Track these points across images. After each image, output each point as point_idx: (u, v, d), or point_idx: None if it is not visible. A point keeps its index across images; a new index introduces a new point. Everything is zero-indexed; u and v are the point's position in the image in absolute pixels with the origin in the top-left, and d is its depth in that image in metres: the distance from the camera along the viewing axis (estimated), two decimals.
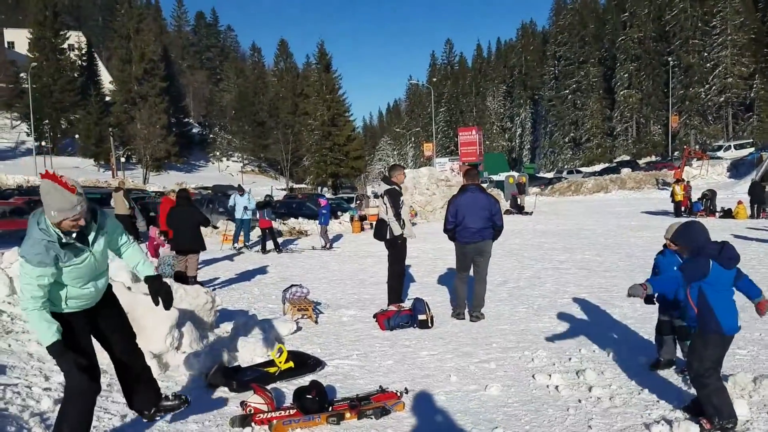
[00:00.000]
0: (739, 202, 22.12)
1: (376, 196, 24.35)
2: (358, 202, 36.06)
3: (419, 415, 4.40)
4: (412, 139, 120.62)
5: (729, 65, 68.70)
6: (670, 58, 70.32)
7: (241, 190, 17.84)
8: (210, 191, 42.73)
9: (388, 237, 7.57)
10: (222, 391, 4.97)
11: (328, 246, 16.91)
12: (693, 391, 4.50)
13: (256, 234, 18.76)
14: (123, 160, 64.19)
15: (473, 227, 7.20)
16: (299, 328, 7.01)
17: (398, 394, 4.70)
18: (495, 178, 43.10)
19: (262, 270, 12.72)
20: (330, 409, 4.44)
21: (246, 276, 11.87)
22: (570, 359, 5.52)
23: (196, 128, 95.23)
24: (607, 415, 4.23)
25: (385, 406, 4.47)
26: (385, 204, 7.54)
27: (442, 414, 4.40)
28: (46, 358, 5.32)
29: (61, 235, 3.16)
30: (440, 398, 4.72)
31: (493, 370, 5.32)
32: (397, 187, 7.71)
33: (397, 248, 7.65)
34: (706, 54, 70.78)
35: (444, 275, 10.72)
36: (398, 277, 7.76)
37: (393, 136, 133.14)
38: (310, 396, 4.40)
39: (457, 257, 7.51)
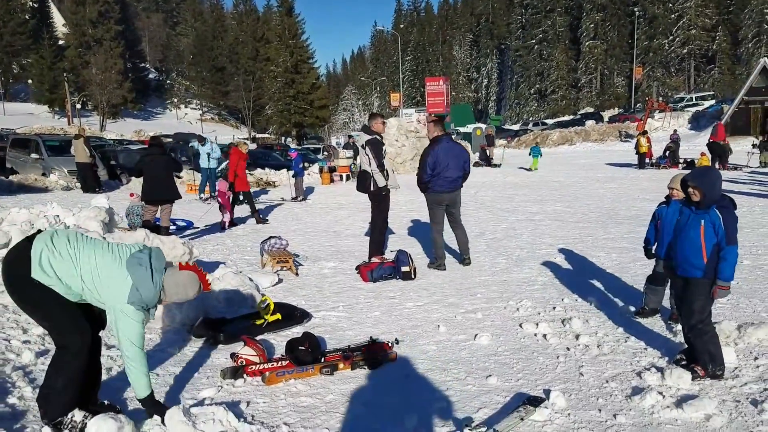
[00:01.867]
0: (702, 154, 22.57)
1: (345, 146, 24.05)
2: (325, 153, 35.69)
3: (412, 364, 4.41)
4: (377, 88, 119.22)
5: (693, 16, 69.15)
6: (636, 8, 70.43)
7: (201, 140, 17.41)
8: (171, 139, 41.68)
9: (371, 189, 7.47)
10: (208, 343, 4.89)
11: (301, 198, 16.72)
12: (679, 339, 4.62)
13: None
14: (78, 106, 61.87)
15: (451, 176, 7.27)
16: (280, 280, 6.94)
17: (389, 344, 4.70)
18: (462, 129, 43.01)
19: (233, 221, 12.51)
20: (323, 360, 4.42)
21: (217, 227, 11.66)
22: (554, 308, 5.59)
23: (152, 74, 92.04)
24: (597, 363, 4.31)
25: (377, 356, 4.46)
26: (368, 155, 7.39)
27: (435, 363, 4.42)
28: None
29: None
30: (431, 348, 4.74)
31: (480, 320, 5.36)
32: (378, 137, 7.57)
33: (380, 200, 7.57)
34: (671, 5, 71.01)
35: (419, 227, 10.72)
36: (381, 230, 7.70)
37: (358, 85, 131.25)
38: (303, 347, 4.36)
39: (431, 209, 7.49)
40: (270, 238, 7.90)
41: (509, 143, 43.11)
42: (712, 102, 51.53)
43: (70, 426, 3.33)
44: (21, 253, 3.24)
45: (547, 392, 3.79)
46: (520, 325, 5.13)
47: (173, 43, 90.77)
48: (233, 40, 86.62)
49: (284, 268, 7.40)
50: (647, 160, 24.38)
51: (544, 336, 4.85)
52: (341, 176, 22.07)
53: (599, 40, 77.58)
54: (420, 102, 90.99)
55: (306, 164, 28.71)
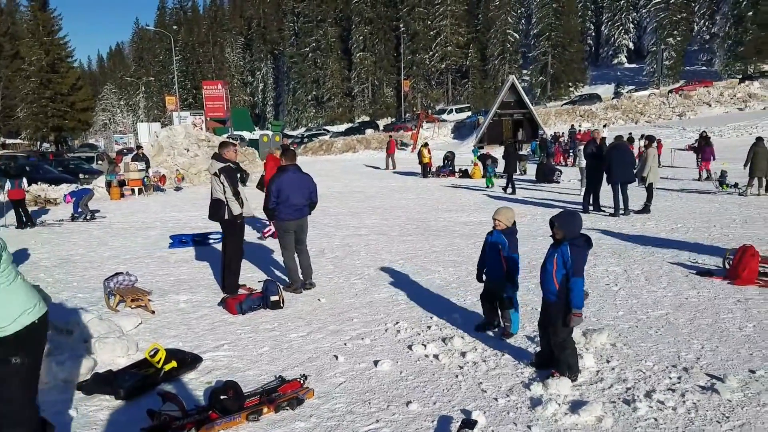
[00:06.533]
0: (475, 164, 25.43)
1: (135, 157, 22.49)
2: (99, 162, 32.91)
3: (332, 399, 4.61)
4: (142, 88, 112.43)
5: (449, 34, 76.80)
6: (400, 24, 76.08)
7: None
8: None
9: (227, 217, 7.39)
10: (106, 400, 4.60)
11: (89, 215, 15.46)
12: (533, 349, 5.45)
13: None
14: None
15: (296, 205, 7.59)
16: (141, 322, 6.56)
17: (300, 381, 4.84)
18: (247, 135, 42.54)
19: (27, 252, 11.26)
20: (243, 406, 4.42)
21: (15, 260, 10.37)
22: (429, 327, 6.15)
23: None
24: (491, 378, 4.93)
25: (298, 395, 4.59)
26: (222, 183, 7.32)
27: (352, 396, 4.66)
28: None
29: None
30: (340, 380, 4.97)
31: (371, 346, 5.71)
32: (231, 164, 7.53)
33: (236, 228, 7.52)
34: (429, 22, 77.99)
35: (252, 251, 10.71)
36: (237, 258, 7.62)
37: (119, 84, 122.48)
38: (227, 396, 4.32)
39: (280, 235, 7.74)
40: (116, 274, 7.37)
41: (296, 150, 43.88)
42: (469, 113, 57.85)
43: None
44: None
45: (467, 412, 4.30)
46: (410, 347, 5.59)
47: None
48: None
49: (137, 307, 6.99)
50: (428, 170, 26.75)
51: (436, 356, 5.37)
52: (133, 190, 20.70)
53: (368, 52, 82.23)
54: (193, 104, 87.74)
55: (81, 175, 26.39)
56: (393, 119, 68.66)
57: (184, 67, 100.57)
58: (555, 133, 39.17)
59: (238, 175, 7.59)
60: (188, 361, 5.28)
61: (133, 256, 10.67)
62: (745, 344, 5.43)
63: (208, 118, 51.70)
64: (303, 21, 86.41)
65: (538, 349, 5.36)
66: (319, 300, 7.31)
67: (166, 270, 9.37)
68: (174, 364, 5.03)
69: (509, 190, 18.53)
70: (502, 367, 5.14)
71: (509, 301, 5.77)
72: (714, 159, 20.88)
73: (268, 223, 11.96)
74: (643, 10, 76.99)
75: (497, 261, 5.70)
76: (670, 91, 55.43)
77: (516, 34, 77.94)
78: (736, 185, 16.74)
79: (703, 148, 21.67)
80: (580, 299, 4.66)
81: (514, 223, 5.78)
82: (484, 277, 5.95)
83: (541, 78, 75.62)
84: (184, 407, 4.28)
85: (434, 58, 77.44)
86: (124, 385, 4.69)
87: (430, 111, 59.60)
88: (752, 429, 3.95)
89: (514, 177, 19.17)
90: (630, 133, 30.62)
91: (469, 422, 4.03)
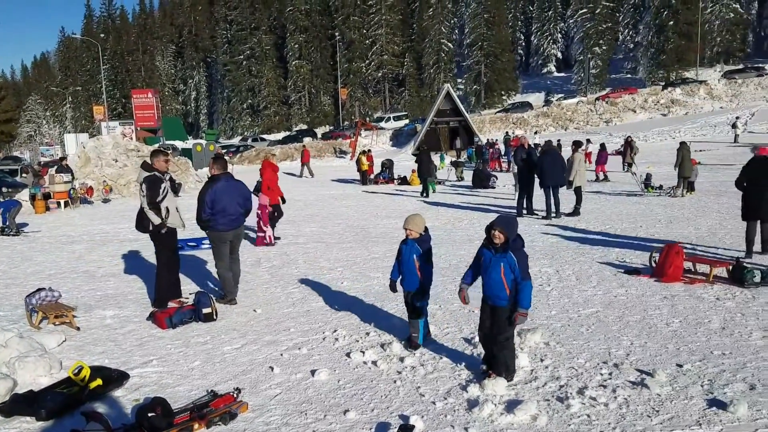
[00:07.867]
0: (413, 171, 25.59)
1: (59, 169, 21.54)
2: (24, 175, 31.46)
3: (267, 412, 4.48)
4: (69, 98, 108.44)
5: (384, 43, 77.37)
6: (335, 33, 76.11)
7: None
8: None
9: (150, 228, 7.13)
10: (26, 422, 4.34)
11: (14, 231, 14.67)
12: (470, 351, 5.47)
13: None
14: None
15: (233, 214, 7.45)
16: (64, 339, 6.23)
17: (233, 395, 4.68)
18: (179, 144, 41.43)
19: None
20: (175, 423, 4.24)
21: None
22: (368, 334, 6.10)
23: None
24: (429, 382, 4.91)
25: (231, 409, 4.44)
26: (142, 192, 7.08)
27: (288, 407, 4.55)
28: None
29: None
30: (275, 392, 4.84)
31: (308, 356, 5.60)
32: (158, 174, 7.26)
33: (161, 239, 7.25)
34: (365, 31, 78.38)
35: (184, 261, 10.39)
36: (166, 271, 7.35)
37: (45, 94, 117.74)
38: (155, 413, 4.14)
39: (216, 246, 7.53)
40: (39, 290, 6.99)
41: (231, 159, 42.97)
42: (407, 121, 58.30)
43: None
44: None
45: (405, 417, 4.25)
46: (348, 355, 5.51)
47: None
48: None
49: (61, 324, 6.65)
50: (370, 176, 26.75)
51: (374, 363, 5.31)
52: (59, 203, 19.79)
53: (304, 60, 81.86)
54: (123, 114, 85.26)
55: (3, 189, 25.13)
56: (331, 127, 68.58)
57: (112, 76, 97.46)
58: (489, 139, 39.94)
59: (167, 185, 7.32)
60: (114, 378, 5.05)
61: (57, 271, 10.19)
62: (673, 339, 5.61)
63: (138, 128, 50.24)
64: (236, 29, 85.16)
65: (477, 350, 5.41)
66: (254, 311, 7.16)
67: (93, 285, 8.99)
68: (99, 381, 4.80)
69: (425, 194, 19.74)
70: (440, 371, 5.14)
71: (419, 311, 5.65)
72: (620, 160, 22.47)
73: (257, 230, 11.90)
74: (571, 21, 79.75)
75: (412, 270, 5.56)
76: (597, 99, 57.48)
77: (450, 44, 79.25)
78: (660, 187, 17.46)
79: (600, 153, 23.88)
80: (529, 300, 4.72)
81: (426, 229, 5.59)
82: (399, 287, 5.76)
83: (475, 86, 77.13)
84: (110, 426, 4.07)
85: (371, 67, 77.84)
86: (46, 405, 4.45)
87: (368, 119, 59.78)
88: (681, 422, 4.06)
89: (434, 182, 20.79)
90: (559, 140, 31.65)
91: (406, 427, 4.00)
